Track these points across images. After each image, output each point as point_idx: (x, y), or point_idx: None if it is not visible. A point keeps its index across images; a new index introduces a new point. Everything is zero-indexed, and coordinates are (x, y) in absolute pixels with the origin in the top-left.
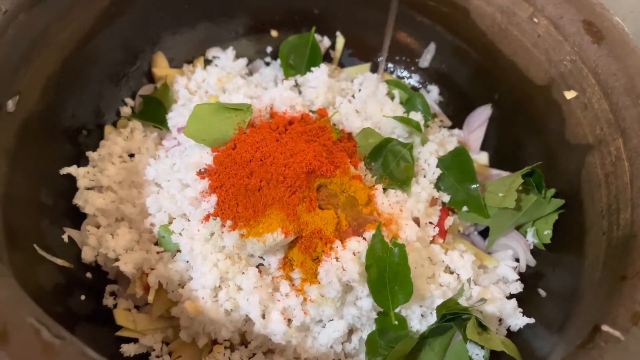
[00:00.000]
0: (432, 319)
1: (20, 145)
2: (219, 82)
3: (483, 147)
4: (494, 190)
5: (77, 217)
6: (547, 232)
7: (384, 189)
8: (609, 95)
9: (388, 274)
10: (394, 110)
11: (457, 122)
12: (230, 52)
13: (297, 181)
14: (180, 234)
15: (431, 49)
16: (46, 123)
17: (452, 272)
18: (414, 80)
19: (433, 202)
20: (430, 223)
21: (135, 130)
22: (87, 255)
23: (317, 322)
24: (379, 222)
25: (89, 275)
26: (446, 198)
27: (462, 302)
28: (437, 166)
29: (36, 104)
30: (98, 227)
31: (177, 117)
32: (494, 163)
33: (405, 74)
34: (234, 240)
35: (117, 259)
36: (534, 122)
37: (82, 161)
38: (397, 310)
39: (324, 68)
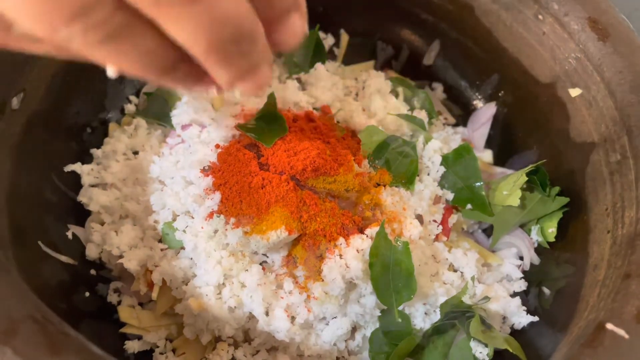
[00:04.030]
0: (436, 316)
1: (25, 142)
2: None
3: (487, 145)
4: (498, 188)
5: (82, 214)
6: (552, 230)
7: (388, 187)
8: (614, 93)
9: (392, 272)
10: (397, 108)
11: (461, 119)
12: None
13: (301, 179)
14: (184, 231)
15: (435, 47)
16: (51, 120)
17: (455, 270)
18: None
19: (437, 200)
20: (434, 221)
21: (139, 128)
22: (91, 252)
23: (320, 319)
24: (383, 220)
25: (93, 272)
26: (450, 196)
27: (466, 300)
28: (441, 164)
29: (41, 101)
30: (102, 224)
31: (181, 114)
32: (498, 161)
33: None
34: (238, 237)
35: (121, 256)
36: (539, 119)
37: (87, 158)
38: (400, 308)
39: (322, 66)
